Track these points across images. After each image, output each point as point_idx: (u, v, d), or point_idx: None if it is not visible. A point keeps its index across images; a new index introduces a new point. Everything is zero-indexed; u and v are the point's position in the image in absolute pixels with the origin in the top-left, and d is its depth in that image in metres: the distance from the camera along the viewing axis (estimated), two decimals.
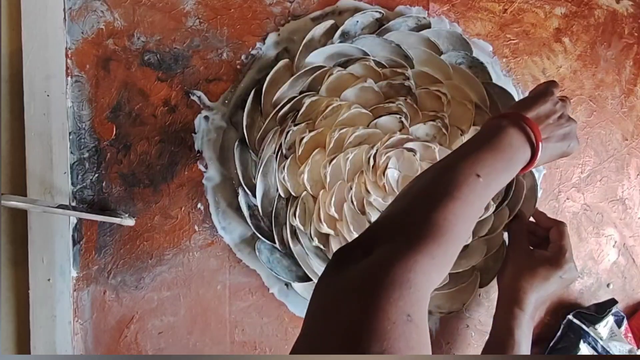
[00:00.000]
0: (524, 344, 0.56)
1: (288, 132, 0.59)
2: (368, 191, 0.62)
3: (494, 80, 0.64)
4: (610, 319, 0.69)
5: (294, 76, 0.60)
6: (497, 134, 0.47)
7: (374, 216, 0.62)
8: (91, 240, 0.61)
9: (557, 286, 0.58)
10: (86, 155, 0.61)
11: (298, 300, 0.64)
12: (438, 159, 0.62)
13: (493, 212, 0.63)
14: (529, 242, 0.61)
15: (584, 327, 0.67)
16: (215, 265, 0.63)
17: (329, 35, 0.62)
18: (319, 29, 0.61)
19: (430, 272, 0.36)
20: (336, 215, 0.61)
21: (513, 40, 0.68)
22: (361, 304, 0.33)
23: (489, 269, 0.65)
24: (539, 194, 0.69)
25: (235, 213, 0.63)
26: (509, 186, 0.63)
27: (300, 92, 0.61)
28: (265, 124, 0.60)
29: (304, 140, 0.60)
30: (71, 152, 0.60)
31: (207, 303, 0.63)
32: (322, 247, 0.61)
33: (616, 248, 0.72)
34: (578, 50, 0.69)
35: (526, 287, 0.57)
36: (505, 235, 0.66)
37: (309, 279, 0.61)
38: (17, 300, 0.61)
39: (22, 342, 0.61)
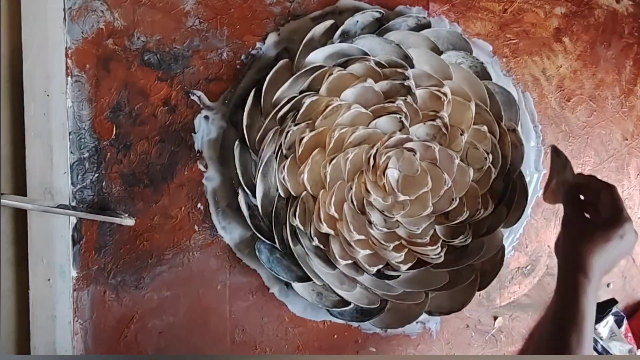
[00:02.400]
0: (588, 316, 0.53)
1: (288, 132, 0.59)
2: (368, 191, 0.62)
3: (494, 80, 0.64)
4: (610, 319, 0.69)
5: (294, 76, 0.60)
6: None
7: (373, 216, 0.62)
8: (91, 240, 0.61)
9: (619, 249, 0.55)
10: (86, 155, 0.61)
11: (298, 300, 0.64)
12: (438, 159, 0.62)
13: (491, 212, 0.63)
14: (582, 209, 0.60)
15: None
16: (215, 265, 0.63)
17: (329, 35, 0.62)
18: (319, 29, 0.61)
19: None
20: (336, 215, 0.61)
21: (513, 40, 0.68)
22: None
23: (487, 272, 0.64)
24: (540, 193, 0.68)
25: (235, 213, 0.62)
26: (505, 186, 0.63)
27: (300, 92, 0.61)
28: (265, 123, 0.60)
29: (304, 140, 0.60)
30: (71, 152, 0.60)
31: (207, 303, 0.63)
32: (322, 247, 0.61)
33: None
34: (578, 50, 0.69)
35: (586, 252, 0.54)
36: (504, 237, 0.66)
37: (309, 279, 0.61)
38: (17, 300, 0.61)
39: (22, 342, 0.61)
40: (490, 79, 0.64)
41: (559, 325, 0.55)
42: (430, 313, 0.64)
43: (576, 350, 0.53)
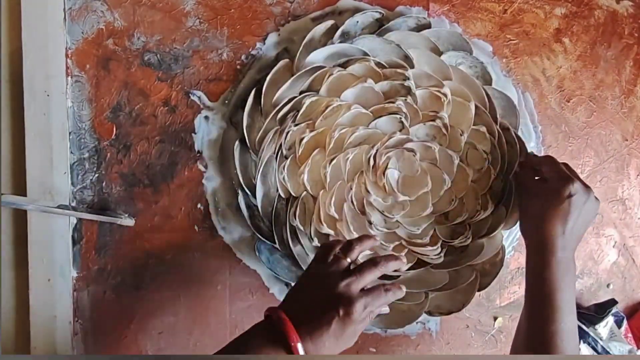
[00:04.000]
0: (561, 283, 0.53)
1: (288, 132, 0.59)
2: (368, 191, 0.62)
3: (494, 80, 0.64)
4: (610, 319, 0.69)
5: (294, 76, 0.60)
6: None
7: (373, 216, 0.62)
8: (91, 240, 0.61)
9: (578, 210, 0.56)
10: (86, 155, 0.61)
11: None
12: (438, 159, 0.62)
13: (490, 213, 0.63)
14: (536, 186, 0.60)
15: (584, 327, 0.67)
16: (215, 265, 0.63)
17: (329, 35, 0.62)
18: (319, 29, 0.61)
19: None
20: (336, 216, 0.61)
21: (513, 40, 0.68)
22: None
23: (487, 272, 0.64)
24: None
25: (235, 213, 0.62)
26: (504, 187, 0.63)
27: (300, 92, 0.61)
28: (265, 124, 0.60)
29: (304, 140, 0.60)
30: (71, 152, 0.60)
31: (207, 303, 0.63)
32: None
33: (616, 248, 0.72)
34: (578, 50, 0.69)
35: (550, 228, 0.55)
36: (504, 237, 0.66)
37: None
38: (17, 301, 0.61)
39: (22, 342, 0.61)
40: (490, 79, 0.64)
41: (533, 319, 0.54)
42: (430, 313, 0.64)
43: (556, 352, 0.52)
